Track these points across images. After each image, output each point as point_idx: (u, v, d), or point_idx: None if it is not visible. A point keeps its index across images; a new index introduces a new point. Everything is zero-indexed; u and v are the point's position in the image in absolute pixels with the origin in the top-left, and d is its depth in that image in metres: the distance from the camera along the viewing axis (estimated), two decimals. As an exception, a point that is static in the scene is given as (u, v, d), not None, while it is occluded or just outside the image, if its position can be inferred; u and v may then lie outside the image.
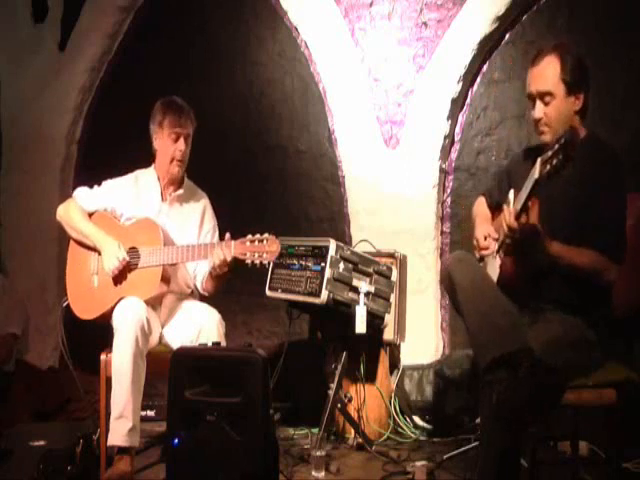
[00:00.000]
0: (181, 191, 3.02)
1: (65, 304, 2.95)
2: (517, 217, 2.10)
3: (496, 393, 1.97)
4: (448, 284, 2.23)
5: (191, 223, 3.04)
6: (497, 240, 2.27)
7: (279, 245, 2.71)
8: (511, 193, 2.23)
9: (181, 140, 2.94)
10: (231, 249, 2.73)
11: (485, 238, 2.33)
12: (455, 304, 2.21)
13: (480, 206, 2.64)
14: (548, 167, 1.96)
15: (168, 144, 2.95)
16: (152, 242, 2.84)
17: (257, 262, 2.70)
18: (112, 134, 4.19)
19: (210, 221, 3.09)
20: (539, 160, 2.00)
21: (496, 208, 2.48)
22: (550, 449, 2.82)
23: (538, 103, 2.28)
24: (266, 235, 2.72)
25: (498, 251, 2.28)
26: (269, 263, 2.78)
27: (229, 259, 2.73)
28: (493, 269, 2.31)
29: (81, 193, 3.05)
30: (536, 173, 1.99)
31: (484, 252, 2.34)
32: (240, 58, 4.09)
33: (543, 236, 2.11)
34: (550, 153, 1.96)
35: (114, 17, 4.19)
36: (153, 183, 3.02)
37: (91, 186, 3.06)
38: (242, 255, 2.71)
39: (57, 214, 3.06)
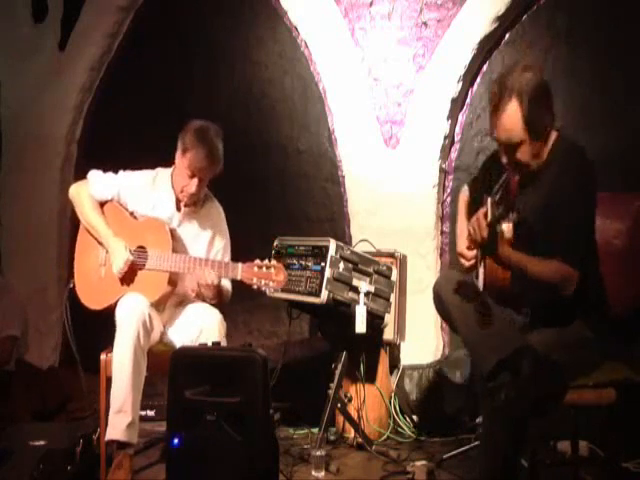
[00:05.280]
0: (197, 207, 2.97)
1: (71, 286, 2.93)
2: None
3: (504, 396, 1.97)
4: (439, 305, 2.25)
5: (201, 239, 2.98)
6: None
7: (286, 276, 2.72)
8: (488, 201, 2.16)
9: (195, 180, 2.82)
10: (238, 272, 2.73)
11: (469, 248, 2.30)
12: (450, 322, 2.24)
13: (463, 201, 2.57)
14: (497, 213, 2.03)
15: (183, 174, 2.84)
16: (160, 244, 2.83)
17: (263, 289, 2.73)
18: (112, 134, 4.19)
19: (222, 240, 3.02)
20: (489, 200, 2.05)
21: (475, 203, 2.42)
22: (550, 449, 2.82)
23: (506, 150, 2.20)
24: (274, 262, 2.72)
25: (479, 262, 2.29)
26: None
27: (216, 282, 2.73)
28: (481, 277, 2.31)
29: (95, 179, 2.98)
30: (489, 216, 2.06)
31: (471, 263, 2.30)
32: (240, 58, 4.09)
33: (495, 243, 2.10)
34: (497, 197, 2.03)
35: (114, 17, 4.19)
36: (169, 190, 2.94)
37: (105, 170, 3.00)
38: (248, 280, 2.71)
39: (69, 193, 3.03)
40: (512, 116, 2.14)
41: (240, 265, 2.73)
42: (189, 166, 2.81)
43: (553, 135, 2.24)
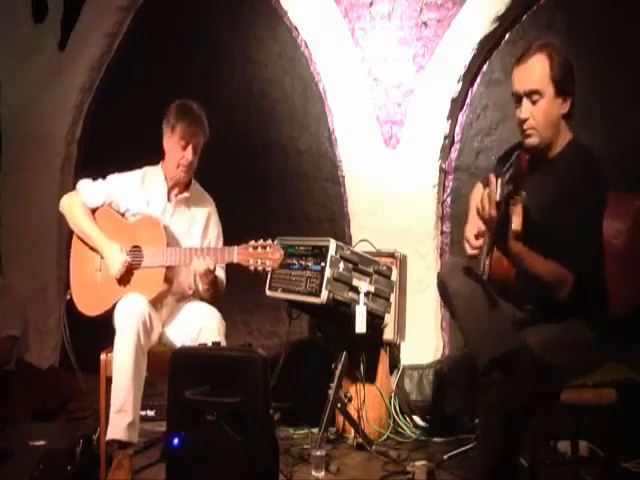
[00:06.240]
0: (187, 194, 3.01)
1: (68, 298, 2.94)
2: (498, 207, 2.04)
3: (495, 392, 1.97)
4: (443, 291, 2.24)
5: (195, 228, 3.02)
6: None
7: (282, 253, 2.72)
8: (498, 181, 2.07)
9: (189, 149, 2.90)
10: (234, 255, 2.74)
11: (477, 237, 2.28)
12: (451, 310, 2.22)
13: (477, 195, 2.50)
14: (506, 191, 1.92)
15: (176, 150, 2.91)
16: (155, 241, 2.84)
17: (260, 269, 2.72)
18: (112, 134, 4.20)
19: (214, 229, 3.07)
20: (499, 181, 1.95)
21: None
22: (550, 449, 2.82)
23: (525, 102, 2.20)
24: (269, 242, 2.73)
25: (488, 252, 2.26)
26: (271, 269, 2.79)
27: (212, 267, 2.74)
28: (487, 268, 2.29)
29: (85, 187, 3.02)
30: (497, 196, 1.95)
31: (476, 251, 2.24)
32: (240, 58, 4.09)
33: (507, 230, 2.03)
34: (507, 177, 1.92)
35: (114, 17, 4.20)
36: (160, 182, 2.99)
37: (95, 178, 3.03)
38: (245, 262, 2.72)
39: (60, 205, 3.06)
40: (539, 65, 2.17)
41: (236, 248, 2.75)
42: (181, 137, 2.89)
43: (568, 136, 2.24)
